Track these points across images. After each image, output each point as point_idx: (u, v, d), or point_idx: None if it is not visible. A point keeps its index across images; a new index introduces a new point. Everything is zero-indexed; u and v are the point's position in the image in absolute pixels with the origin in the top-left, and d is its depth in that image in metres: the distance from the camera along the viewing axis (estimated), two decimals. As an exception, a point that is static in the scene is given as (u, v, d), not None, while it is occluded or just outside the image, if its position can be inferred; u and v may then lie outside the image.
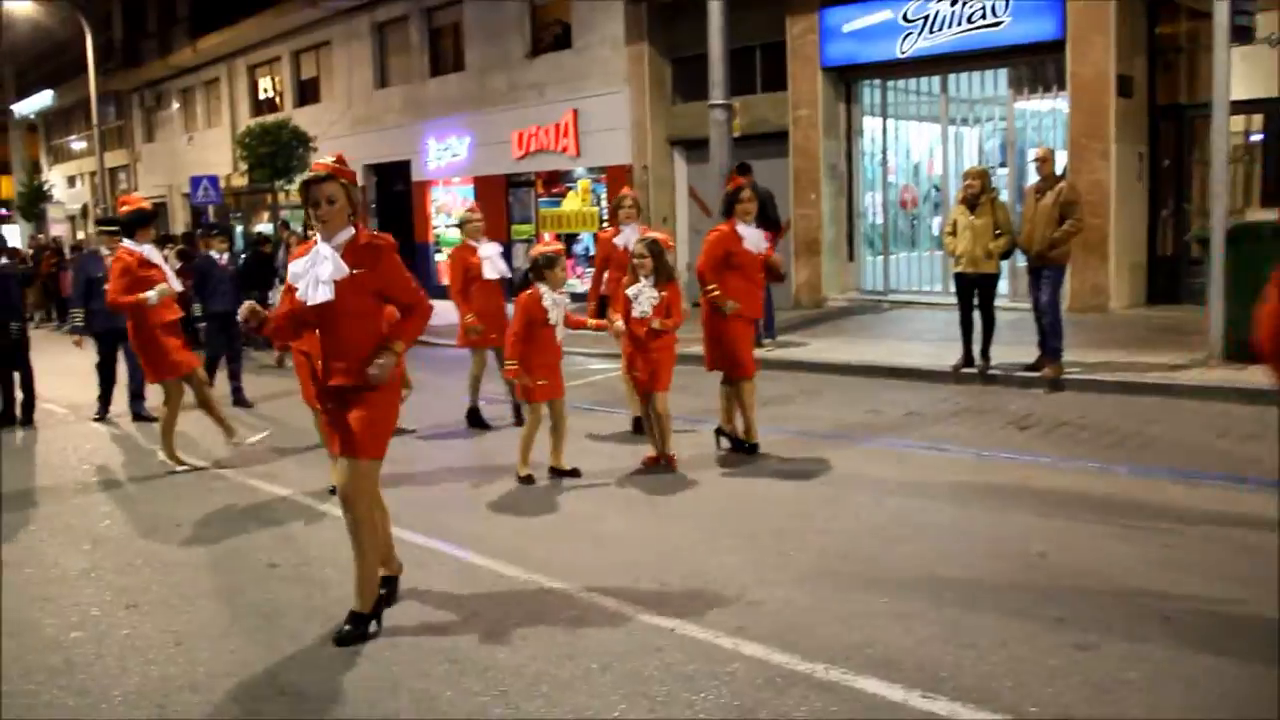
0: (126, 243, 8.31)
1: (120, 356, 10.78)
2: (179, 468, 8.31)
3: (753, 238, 7.78)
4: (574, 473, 7.40)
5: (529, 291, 7.20)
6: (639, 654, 4.36)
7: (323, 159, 4.73)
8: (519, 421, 9.27)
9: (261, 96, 30.02)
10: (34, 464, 9.04)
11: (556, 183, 20.95)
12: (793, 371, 11.54)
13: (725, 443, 8.02)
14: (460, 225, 9.63)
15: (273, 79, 29.50)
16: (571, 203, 20.59)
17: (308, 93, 27.93)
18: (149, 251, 8.32)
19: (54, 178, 45.11)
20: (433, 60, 23.63)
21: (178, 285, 8.47)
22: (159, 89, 35.78)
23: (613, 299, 8.35)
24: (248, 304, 4.82)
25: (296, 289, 4.67)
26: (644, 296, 7.38)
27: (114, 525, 6.87)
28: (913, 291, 16.70)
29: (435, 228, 23.82)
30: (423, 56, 23.71)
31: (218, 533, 6.55)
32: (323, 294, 4.56)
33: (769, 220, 11.41)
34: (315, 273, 4.58)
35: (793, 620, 4.65)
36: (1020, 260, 10.95)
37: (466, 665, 4.35)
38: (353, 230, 4.65)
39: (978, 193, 9.81)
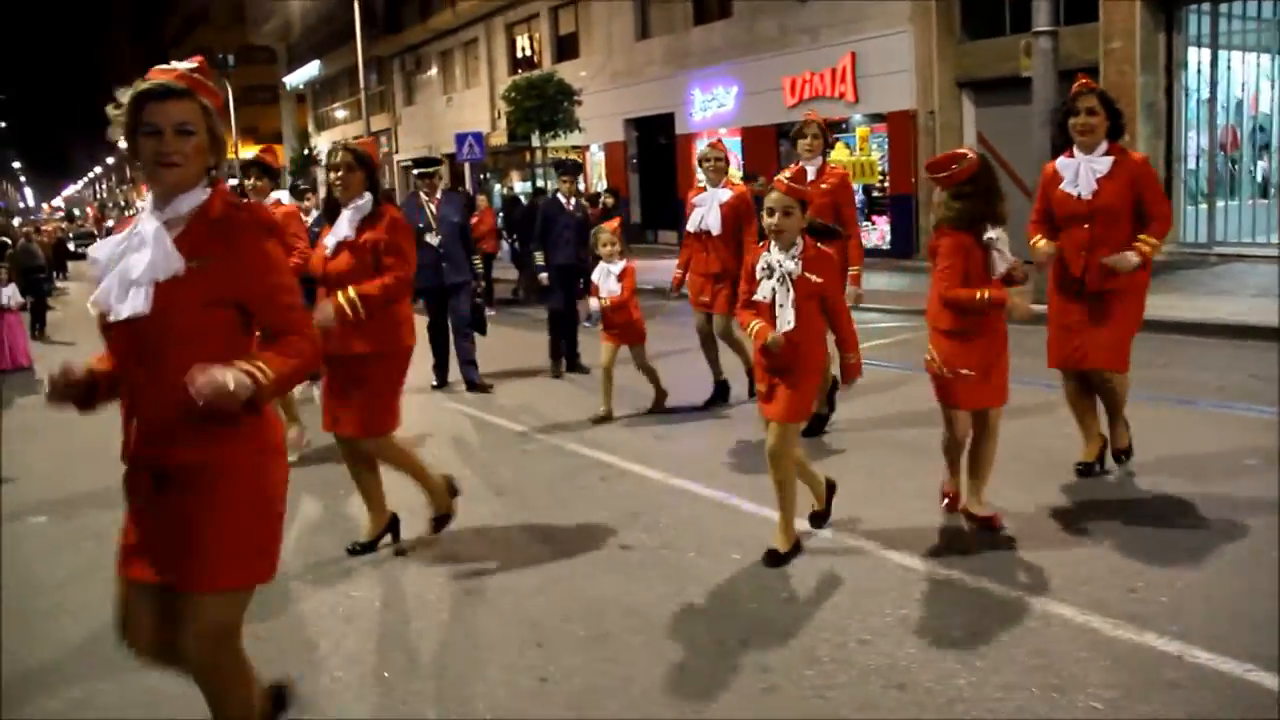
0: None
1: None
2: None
3: (1077, 172, 5.39)
4: (797, 547, 4.89)
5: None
6: (1148, 689, 3.39)
7: (177, 67, 2.78)
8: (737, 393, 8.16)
9: (519, 55, 30.13)
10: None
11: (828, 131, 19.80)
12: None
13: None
14: (699, 163, 7.97)
15: (530, 36, 29.51)
16: (840, 153, 19.38)
17: (566, 48, 27.76)
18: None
19: (321, 144, 47.21)
20: (696, 7, 22.89)
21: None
22: (418, 53, 36.69)
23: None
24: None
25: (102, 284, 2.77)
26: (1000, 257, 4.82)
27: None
28: (1242, 244, 14.88)
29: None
30: (686, 4, 23.01)
31: (556, 508, 5.86)
32: (132, 304, 2.66)
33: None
34: (125, 266, 2.70)
35: (1327, 650, 3.57)
36: None
37: (918, 693, 3.49)
38: (206, 193, 2.76)
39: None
